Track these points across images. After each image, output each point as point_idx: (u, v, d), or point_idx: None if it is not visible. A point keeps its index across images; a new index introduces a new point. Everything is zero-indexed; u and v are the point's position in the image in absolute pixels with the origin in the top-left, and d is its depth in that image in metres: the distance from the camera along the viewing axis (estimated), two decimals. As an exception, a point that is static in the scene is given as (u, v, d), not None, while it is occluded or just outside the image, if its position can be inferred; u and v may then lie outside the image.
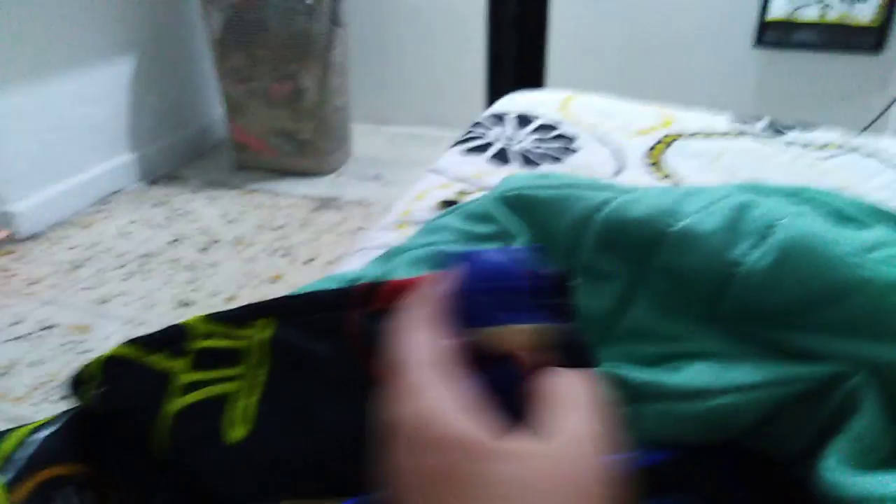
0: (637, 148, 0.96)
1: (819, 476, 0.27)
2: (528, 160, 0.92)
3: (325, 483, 0.30)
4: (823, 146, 0.99)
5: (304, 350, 0.32)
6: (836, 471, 0.27)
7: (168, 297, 1.64)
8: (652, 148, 0.96)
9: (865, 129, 2.05)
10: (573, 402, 0.25)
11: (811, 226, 0.33)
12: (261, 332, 0.33)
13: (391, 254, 0.41)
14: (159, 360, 0.33)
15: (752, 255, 0.33)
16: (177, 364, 0.33)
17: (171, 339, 0.34)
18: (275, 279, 1.71)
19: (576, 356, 0.29)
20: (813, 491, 0.27)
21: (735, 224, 0.34)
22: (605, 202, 0.36)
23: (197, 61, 2.56)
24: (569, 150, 0.96)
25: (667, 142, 0.99)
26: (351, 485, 0.29)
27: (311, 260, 1.81)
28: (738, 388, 0.30)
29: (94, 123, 2.14)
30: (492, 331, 0.28)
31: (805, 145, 1.00)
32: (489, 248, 0.30)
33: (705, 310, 0.35)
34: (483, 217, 0.39)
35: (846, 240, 0.32)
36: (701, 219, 0.35)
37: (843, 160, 0.95)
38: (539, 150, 0.95)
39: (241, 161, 2.40)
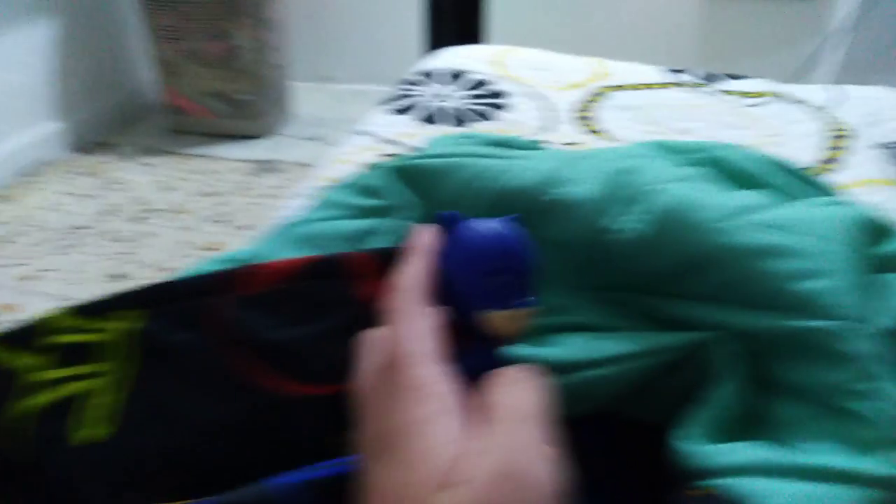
0: (570, 102, 0.95)
1: (674, 445, 0.27)
2: (458, 118, 0.90)
3: (189, 482, 0.28)
4: (752, 94, 0.99)
5: (169, 342, 0.30)
6: (693, 440, 0.26)
7: (100, 270, 1.58)
8: (585, 102, 0.95)
9: (796, 73, 2.07)
10: (511, 416, 0.24)
11: (684, 191, 0.32)
12: (125, 325, 0.31)
13: (284, 229, 0.39)
14: (14, 358, 0.31)
15: (627, 222, 0.32)
16: (32, 361, 0.30)
17: (27, 334, 0.31)
18: (213, 248, 1.66)
19: None
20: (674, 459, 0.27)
21: (613, 190, 0.33)
22: (483, 170, 0.34)
23: (124, 21, 2.42)
24: (500, 107, 0.93)
25: (600, 94, 0.97)
26: (216, 482, 0.27)
27: (251, 226, 1.76)
28: (609, 360, 0.29)
29: (13, 91, 2.02)
30: (496, 314, 0.26)
31: (734, 94, 1.00)
32: (484, 219, 0.28)
33: (584, 280, 0.33)
34: (373, 190, 0.37)
35: (717, 205, 0.31)
36: (580, 185, 0.33)
37: (770, 108, 0.95)
38: (470, 108, 0.92)
39: (176, 125, 2.31)
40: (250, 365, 0.30)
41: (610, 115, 0.91)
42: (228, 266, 0.35)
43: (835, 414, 0.25)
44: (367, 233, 0.35)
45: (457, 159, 0.36)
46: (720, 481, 0.24)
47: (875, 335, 0.26)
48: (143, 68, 2.51)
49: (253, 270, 0.31)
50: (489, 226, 0.27)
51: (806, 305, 0.27)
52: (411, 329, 0.25)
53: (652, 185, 0.32)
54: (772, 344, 0.28)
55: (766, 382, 0.28)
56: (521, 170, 0.34)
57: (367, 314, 0.30)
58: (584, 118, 0.90)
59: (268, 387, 0.30)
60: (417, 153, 0.38)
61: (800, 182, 0.41)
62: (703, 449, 0.26)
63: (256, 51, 2.14)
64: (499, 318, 0.26)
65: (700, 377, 0.29)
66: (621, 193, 0.33)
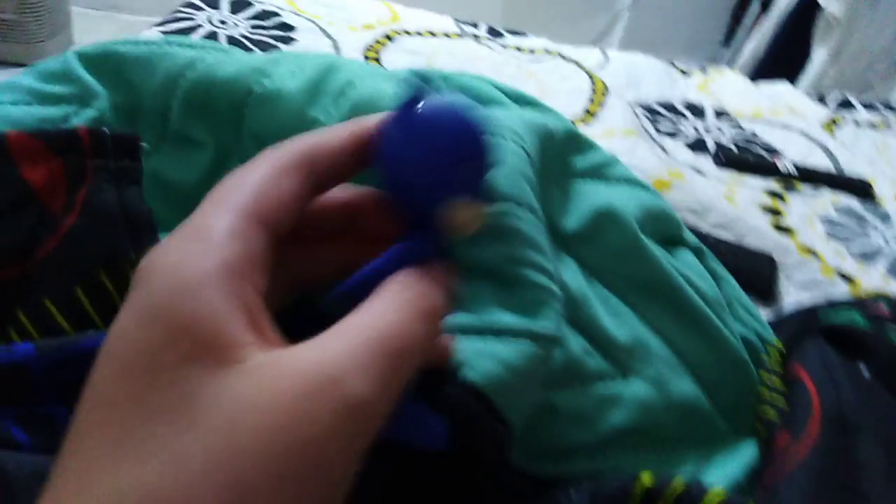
0: (358, 42, 0.94)
1: None
2: (240, 47, 0.85)
3: None
4: (532, 51, 1.05)
5: None
6: None
7: None
8: (373, 43, 0.94)
9: (594, 43, 2.24)
10: (362, 333, 0.19)
11: (379, 85, 0.33)
12: None
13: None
14: None
15: (326, 113, 0.32)
16: None
17: None
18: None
19: None
20: None
21: (318, 84, 0.33)
22: (194, 61, 0.33)
23: None
24: (286, 40, 0.90)
25: (388, 38, 0.97)
26: None
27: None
28: None
29: None
30: (462, 207, 0.23)
31: (517, 49, 1.05)
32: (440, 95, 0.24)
33: None
34: (60, 76, 0.34)
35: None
36: (287, 79, 0.33)
37: (546, 64, 1.02)
38: (253, 38, 0.88)
39: (-80, 44, 1.95)
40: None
41: (395, 58, 0.92)
42: None
43: (506, 283, 0.28)
44: (50, 122, 0.32)
45: (153, 47, 0.34)
46: None
47: (540, 219, 0.29)
48: None
49: None
50: (457, 104, 0.23)
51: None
52: (249, 176, 0.21)
53: (347, 77, 0.33)
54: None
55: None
56: (223, 60, 0.33)
57: (38, 198, 0.27)
58: (369, 59, 0.90)
59: None
60: (115, 41, 0.35)
61: (526, 104, 0.44)
62: None
63: (24, -35, 1.86)
64: (463, 211, 0.23)
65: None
66: (328, 86, 0.33)
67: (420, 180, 0.23)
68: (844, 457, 0.27)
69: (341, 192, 0.25)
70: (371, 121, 0.24)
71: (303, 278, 0.25)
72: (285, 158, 0.22)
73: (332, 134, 0.23)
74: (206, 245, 0.18)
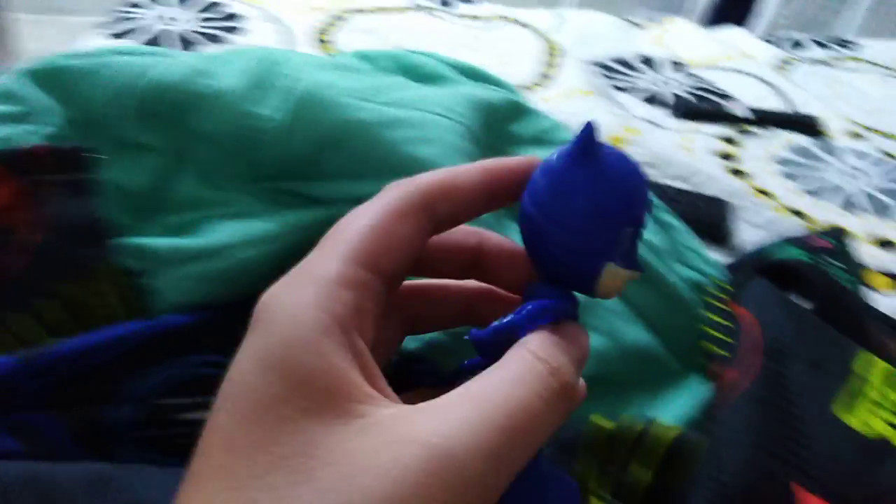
0: (310, 25, 0.93)
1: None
2: (187, 42, 0.84)
3: None
4: (485, 18, 1.06)
5: None
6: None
7: None
8: (324, 25, 0.94)
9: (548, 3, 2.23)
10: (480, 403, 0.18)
11: (320, 76, 0.34)
12: None
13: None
14: None
15: (274, 110, 0.33)
16: None
17: None
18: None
19: None
20: None
21: (262, 80, 0.34)
22: (140, 69, 0.34)
23: None
24: (234, 30, 0.89)
25: (340, 18, 0.97)
26: None
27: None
28: (258, 240, 0.31)
29: None
30: (618, 271, 0.21)
31: (472, 18, 1.06)
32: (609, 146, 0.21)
33: (245, 171, 0.35)
34: (9, 95, 0.34)
35: (349, 86, 0.34)
36: (230, 78, 0.34)
37: (501, 32, 1.02)
38: (201, 31, 0.87)
39: None
40: None
41: (349, 38, 0.92)
42: None
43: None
44: (4, 141, 0.32)
45: (100, 58, 0.34)
46: None
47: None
48: None
49: None
50: (631, 169, 0.21)
51: (419, 167, 0.30)
52: (364, 219, 0.20)
53: (299, 73, 0.34)
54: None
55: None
56: (167, 65, 0.34)
57: (2, 219, 0.28)
58: (323, 42, 0.90)
59: None
60: (60, 55, 0.36)
61: (474, 76, 0.45)
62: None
63: (-38, -26, 1.81)
64: (617, 275, 0.21)
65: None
66: (272, 82, 0.34)
67: (577, 242, 0.21)
68: (781, 383, 0.29)
69: (463, 234, 0.24)
70: (510, 164, 0.22)
71: (416, 322, 0.25)
72: (404, 199, 0.21)
73: (461, 173, 0.22)
74: (318, 294, 0.18)
